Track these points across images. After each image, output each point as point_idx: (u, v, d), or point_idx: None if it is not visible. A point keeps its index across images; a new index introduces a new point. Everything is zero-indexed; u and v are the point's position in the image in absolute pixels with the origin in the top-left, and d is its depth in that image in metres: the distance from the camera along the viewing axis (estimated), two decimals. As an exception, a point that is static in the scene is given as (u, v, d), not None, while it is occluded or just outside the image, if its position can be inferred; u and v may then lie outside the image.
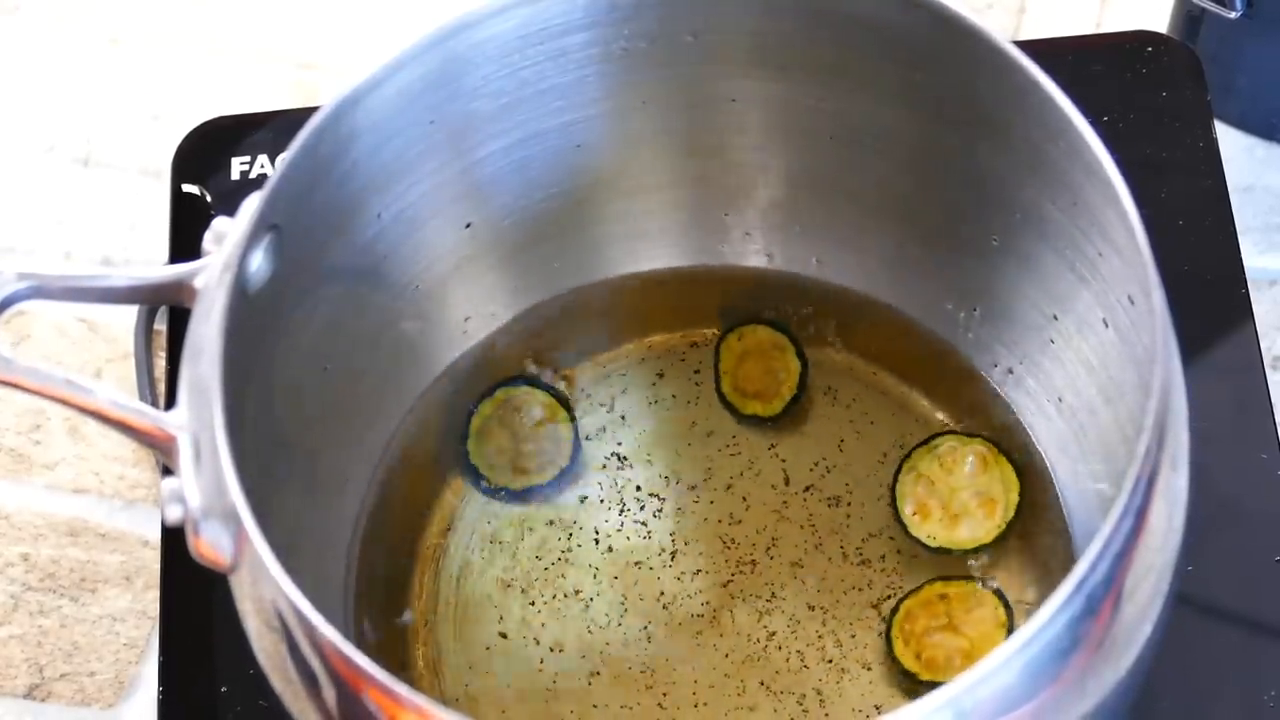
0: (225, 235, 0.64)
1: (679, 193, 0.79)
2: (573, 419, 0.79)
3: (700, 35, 0.73)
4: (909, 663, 0.73)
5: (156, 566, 0.82)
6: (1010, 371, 0.77)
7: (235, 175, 0.86)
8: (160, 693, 0.76)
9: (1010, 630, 0.73)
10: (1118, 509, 0.58)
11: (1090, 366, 0.72)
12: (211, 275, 0.64)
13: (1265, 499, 0.78)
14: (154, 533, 0.85)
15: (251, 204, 0.64)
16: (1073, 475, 0.75)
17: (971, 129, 0.71)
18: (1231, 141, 0.91)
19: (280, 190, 0.65)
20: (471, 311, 0.79)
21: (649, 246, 0.80)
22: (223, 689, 0.76)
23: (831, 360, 0.80)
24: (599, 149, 0.76)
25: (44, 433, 0.88)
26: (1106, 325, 0.70)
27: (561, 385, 0.80)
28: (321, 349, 0.72)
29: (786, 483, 0.78)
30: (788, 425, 0.79)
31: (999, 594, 0.74)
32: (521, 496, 0.78)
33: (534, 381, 0.79)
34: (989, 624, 0.74)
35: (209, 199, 0.86)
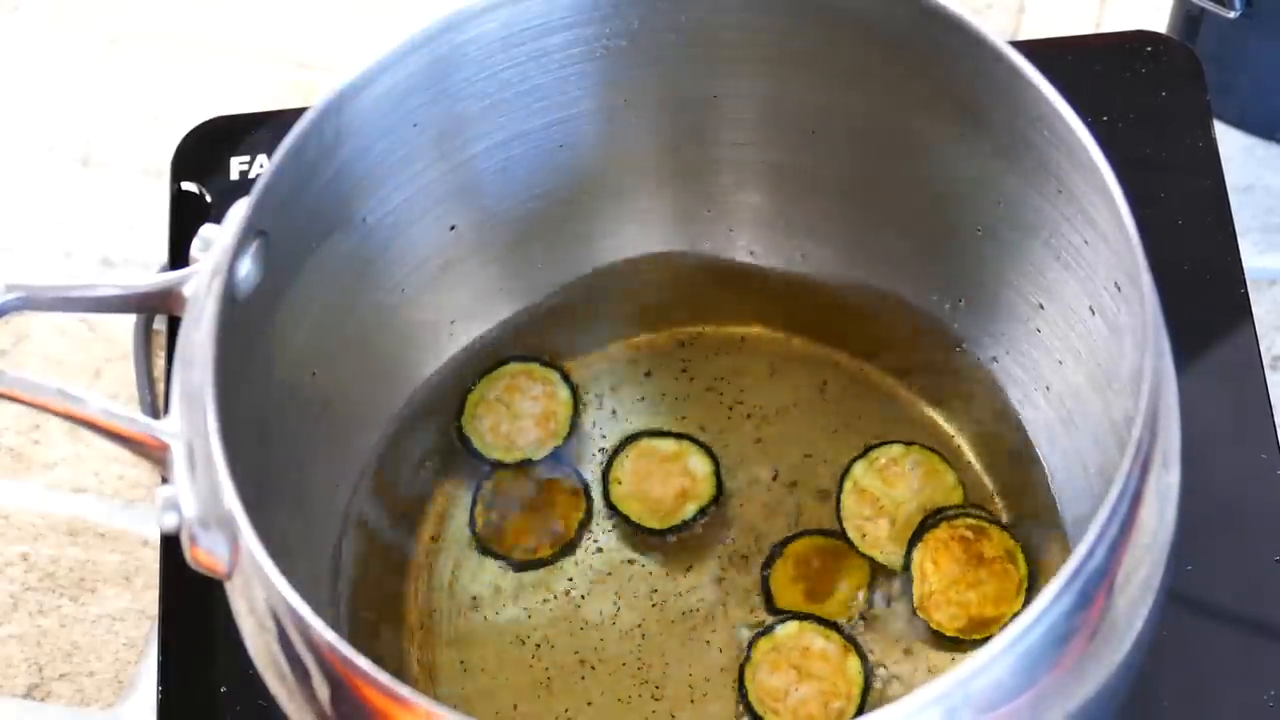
0: (213, 242, 0.64)
1: (662, 190, 0.79)
2: (574, 395, 0.78)
3: (681, 32, 0.72)
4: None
5: (156, 566, 0.82)
6: (996, 361, 0.77)
7: (235, 175, 0.86)
8: (160, 692, 0.76)
9: (861, 707, 0.72)
10: (1113, 495, 0.58)
11: (1078, 355, 0.72)
12: (200, 283, 0.64)
13: (1265, 499, 0.78)
14: (153, 532, 0.85)
15: (238, 210, 0.64)
16: (1063, 464, 0.75)
17: (955, 119, 0.70)
18: (1231, 141, 0.91)
19: (267, 196, 0.64)
20: (458, 314, 0.79)
21: (634, 245, 0.80)
22: (222, 689, 0.76)
23: (817, 354, 0.80)
24: (582, 149, 0.76)
25: (43, 432, 0.88)
26: (1093, 313, 0.70)
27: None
28: (309, 353, 0.72)
29: (775, 477, 0.78)
30: (777, 420, 0.79)
31: (866, 665, 0.73)
32: (517, 469, 0.78)
33: (535, 359, 0.79)
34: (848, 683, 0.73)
35: (209, 199, 0.86)
